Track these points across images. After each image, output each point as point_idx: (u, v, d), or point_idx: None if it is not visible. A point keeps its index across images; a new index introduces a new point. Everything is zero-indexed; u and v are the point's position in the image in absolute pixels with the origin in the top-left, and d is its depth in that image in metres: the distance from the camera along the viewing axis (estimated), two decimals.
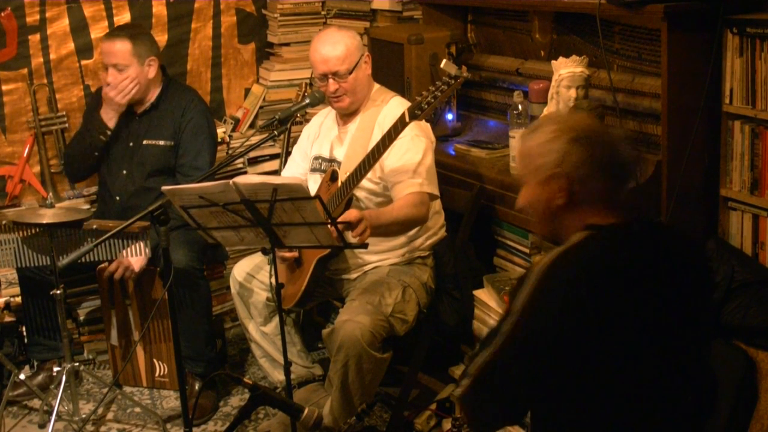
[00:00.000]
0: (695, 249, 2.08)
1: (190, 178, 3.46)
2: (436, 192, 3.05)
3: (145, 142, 3.62)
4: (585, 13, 3.16)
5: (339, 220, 2.71)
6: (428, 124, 3.10)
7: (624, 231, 1.92)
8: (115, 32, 3.62)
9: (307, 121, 3.51)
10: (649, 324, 1.86)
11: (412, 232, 3.09)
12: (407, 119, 2.72)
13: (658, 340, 1.87)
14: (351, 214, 2.71)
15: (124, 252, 3.21)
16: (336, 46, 3.03)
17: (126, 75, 3.50)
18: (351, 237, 2.74)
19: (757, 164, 2.84)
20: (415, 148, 2.97)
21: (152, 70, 3.59)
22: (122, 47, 3.51)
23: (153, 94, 3.64)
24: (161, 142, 3.61)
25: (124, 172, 3.65)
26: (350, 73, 3.04)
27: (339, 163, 3.10)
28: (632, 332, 1.85)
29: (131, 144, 3.63)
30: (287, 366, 2.75)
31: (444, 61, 2.76)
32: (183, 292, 3.37)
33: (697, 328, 1.93)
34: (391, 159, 2.96)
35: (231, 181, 2.49)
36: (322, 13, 4.42)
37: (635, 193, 1.95)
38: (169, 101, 3.65)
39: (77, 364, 3.26)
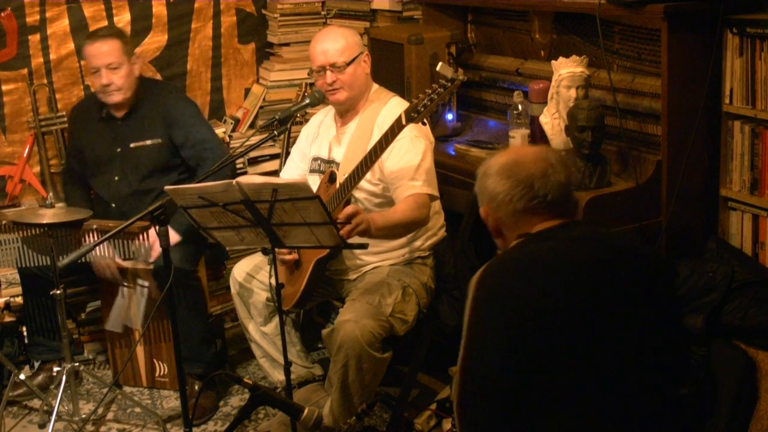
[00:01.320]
0: (635, 248, 2.08)
1: (208, 159, 3.50)
2: (436, 193, 3.05)
3: (132, 145, 3.59)
4: (585, 13, 3.17)
5: (338, 216, 2.71)
6: (427, 126, 3.10)
7: (551, 233, 1.99)
8: (99, 33, 3.58)
9: (307, 121, 3.51)
10: (579, 320, 1.86)
11: (411, 233, 3.09)
12: (404, 122, 2.73)
13: (594, 335, 1.87)
14: (348, 209, 2.72)
15: (151, 231, 3.09)
16: (336, 39, 3.06)
17: (120, 74, 3.50)
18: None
19: (757, 164, 2.84)
20: (414, 149, 2.97)
21: (137, 68, 3.59)
22: (113, 46, 3.49)
23: (133, 96, 3.62)
24: (148, 142, 3.59)
25: (116, 177, 3.62)
26: (348, 65, 3.04)
27: (337, 164, 3.10)
28: (564, 329, 1.85)
29: (119, 150, 3.61)
30: (287, 366, 2.75)
31: (440, 64, 2.76)
32: (176, 293, 3.35)
33: (645, 326, 1.91)
34: (390, 161, 2.96)
35: (234, 181, 2.49)
36: (322, 13, 4.42)
37: (565, 200, 2.03)
38: (147, 100, 3.63)
39: (77, 364, 3.25)
